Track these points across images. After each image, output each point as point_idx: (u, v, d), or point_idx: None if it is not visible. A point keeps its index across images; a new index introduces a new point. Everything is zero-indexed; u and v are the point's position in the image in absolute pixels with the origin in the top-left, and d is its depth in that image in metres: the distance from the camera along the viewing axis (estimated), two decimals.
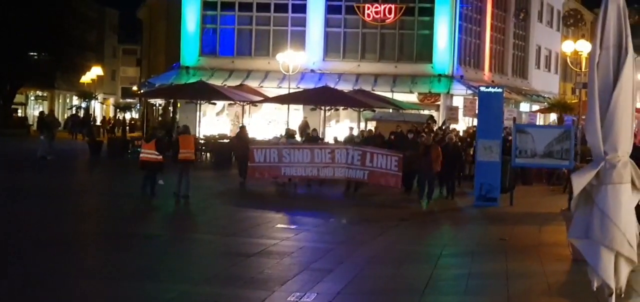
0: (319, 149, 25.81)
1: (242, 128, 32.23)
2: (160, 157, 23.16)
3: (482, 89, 27.17)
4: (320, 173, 25.43)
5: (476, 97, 44.99)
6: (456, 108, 42.82)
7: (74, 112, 71.48)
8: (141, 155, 23.66)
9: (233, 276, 13.57)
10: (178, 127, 33.99)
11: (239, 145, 29.62)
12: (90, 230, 19.16)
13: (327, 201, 25.56)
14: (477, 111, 44.54)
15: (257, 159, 25.65)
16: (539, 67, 62.10)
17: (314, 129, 33.16)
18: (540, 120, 51.74)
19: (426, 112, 43.45)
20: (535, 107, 55.40)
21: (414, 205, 23.94)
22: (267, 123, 44.01)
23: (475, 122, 43.45)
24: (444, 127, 36.92)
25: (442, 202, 25.25)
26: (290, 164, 25.40)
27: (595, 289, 8.17)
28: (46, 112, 59.26)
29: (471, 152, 28.68)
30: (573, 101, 49.80)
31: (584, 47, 41.07)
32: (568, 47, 44.66)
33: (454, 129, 36.62)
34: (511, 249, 16.69)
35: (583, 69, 40.55)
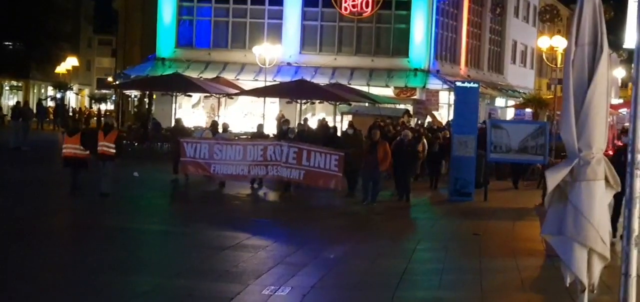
0: (252, 145, 23.39)
1: (177, 121, 30.73)
2: (87, 152, 21.44)
3: (458, 83, 27.23)
4: (251, 172, 23.27)
5: (438, 91, 45.50)
6: (423, 101, 42.68)
7: (44, 102, 70.85)
8: (64, 150, 21.64)
9: (207, 270, 13.52)
10: (153, 119, 33.72)
11: (173, 139, 27.17)
12: (63, 223, 19.04)
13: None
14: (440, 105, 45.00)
15: (188, 154, 23.37)
16: (514, 63, 62.38)
17: (286, 120, 31.82)
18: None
19: (402, 106, 43.47)
20: (511, 102, 55.64)
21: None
22: (243, 116, 43.91)
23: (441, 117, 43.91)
24: (419, 122, 36.90)
25: (403, 203, 23.26)
26: (221, 161, 23.14)
27: (568, 284, 8.20)
28: (21, 102, 58.78)
29: (420, 148, 26.50)
30: (548, 97, 50.01)
31: (559, 42, 41.23)
32: (544, 42, 44.82)
33: (420, 124, 36.21)
34: (485, 244, 16.75)
35: (559, 65, 40.75)
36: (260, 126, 28.80)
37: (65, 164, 21.64)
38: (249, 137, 28.66)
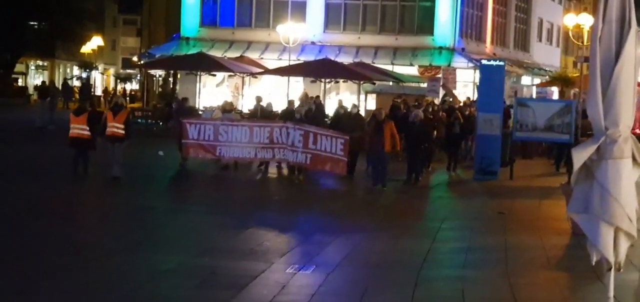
0: (258, 127, 22.34)
1: (183, 100, 29.10)
2: (90, 133, 20.75)
3: (484, 62, 27.05)
4: (258, 155, 22.43)
5: (455, 68, 45.07)
6: (438, 79, 42.10)
7: (69, 81, 71.20)
8: (71, 131, 20.88)
9: (232, 248, 13.55)
10: (177, 98, 33.59)
11: (177, 119, 25.41)
12: (87, 202, 19.14)
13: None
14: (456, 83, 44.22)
15: (191, 136, 22.27)
16: (540, 40, 61.89)
17: (316, 97, 30.50)
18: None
19: (424, 85, 43.17)
20: (537, 81, 55.25)
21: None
22: (268, 95, 43.86)
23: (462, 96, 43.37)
24: (444, 101, 36.50)
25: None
26: (227, 144, 22.18)
27: (594, 263, 8.14)
28: (47, 81, 59.13)
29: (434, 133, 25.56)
30: (574, 75, 49.63)
31: (586, 20, 40.88)
32: (570, 20, 44.48)
33: (433, 102, 35.23)
34: (510, 222, 16.67)
35: (585, 43, 40.40)
36: (291, 103, 28.00)
37: (71, 145, 20.99)
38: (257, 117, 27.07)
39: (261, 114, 27.05)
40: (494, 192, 21.41)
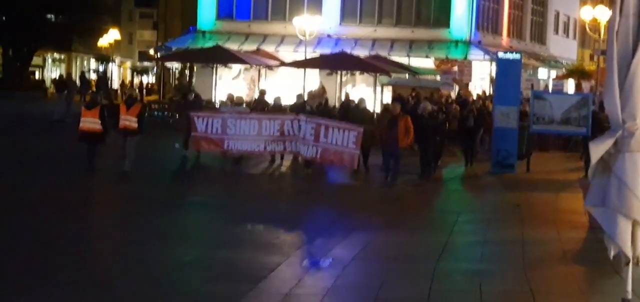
0: (268, 119, 22.12)
1: (194, 94, 28.35)
2: (101, 127, 20.29)
3: (500, 54, 26.98)
4: (267, 148, 22.06)
5: (471, 61, 44.92)
6: (452, 72, 41.97)
7: (87, 74, 71.53)
8: (82, 124, 20.40)
9: (248, 241, 13.60)
10: (193, 90, 33.60)
11: (185, 113, 24.99)
12: (101, 194, 19.23)
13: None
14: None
15: (199, 129, 21.86)
16: (557, 33, 61.62)
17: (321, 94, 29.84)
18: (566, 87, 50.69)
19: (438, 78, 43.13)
20: (553, 74, 55.06)
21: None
22: (285, 88, 43.89)
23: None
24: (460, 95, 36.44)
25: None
26: (235, 137, 21.79)
27: (611, 257, 8.13)
28: (64, 75, 59.38)
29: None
30: (591, 68, 49.44)
31: (603, 13, 40.72)
32: (587, 13, 44.32)
33: (448, 95, 34.98)
34: (527, 215, 16.64)
35: (602, 36, 40.24)
36: (299, 96, 27.56)
37: (80, 139, 20.49)
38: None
39: (268, 108, 26.51)
40: (511, 185, 21.37)
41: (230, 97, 25.93)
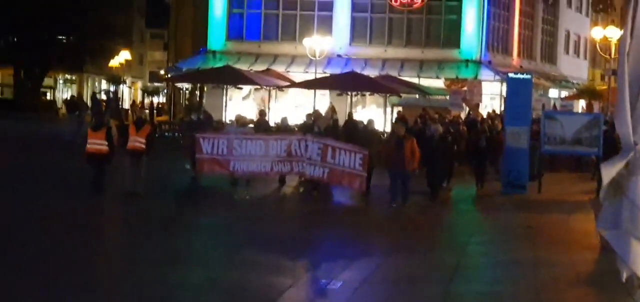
0: (274, 140, 21.73)
1: (193, 114, 27.68)
2: (108, 148, 20.04)
3: (511, 75, 26.94)
4: (274, 169, 21.60)
5: (481, 81, 44.82)
6: (461, 92, 41.81)
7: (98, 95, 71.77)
8: (88, 146, 20.17)
9: (258, 262, 13.57)
10: (204, 111, 33.62)
11: (189, 134, 24.43)
12: (113, 215, 19.23)
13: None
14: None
15: (205, 150, 21.54)
16: (567, 53, 61.54)
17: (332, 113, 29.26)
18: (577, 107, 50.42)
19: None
20: (564, 93, 54.96)
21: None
22: (294, 108, 43.95)
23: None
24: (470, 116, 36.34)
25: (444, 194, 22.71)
26: (241, 158, 21.45)
27: (624, 279, 8.09)
28: (75, 95, 59.66)
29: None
30: (602, 87, 49.31)
31: (613, 33, 40.68)
32: (597, 33, 44.26)
33: (457, 116, 34.64)
34: (539, 237, 16.57)
35: (613, 55, 40.17)
36: (308, 116, 26.76)
37: (87, 160, 20.25)
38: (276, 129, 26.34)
39: (268, 128, 26.21)
40: (522, 206, 21.29)
41: (237, 119, 25.76)
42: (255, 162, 21.51)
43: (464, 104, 39.26)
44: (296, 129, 25.57)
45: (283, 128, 25.31)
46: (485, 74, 45.35)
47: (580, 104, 47.65)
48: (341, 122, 29.02)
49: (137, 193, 20.12)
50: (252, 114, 43.17)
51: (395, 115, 38.86)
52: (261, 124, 26.45)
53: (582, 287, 12.28)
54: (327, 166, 20.68)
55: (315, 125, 23.67)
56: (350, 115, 31.65)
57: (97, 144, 20.08)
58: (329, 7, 47.50)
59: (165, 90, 73.98)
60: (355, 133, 24.32)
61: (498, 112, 39.44)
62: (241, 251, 14.63)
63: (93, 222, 17.33)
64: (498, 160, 26.45)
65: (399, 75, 43.73)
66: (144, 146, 20.41)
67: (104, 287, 11.72)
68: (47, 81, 71.93)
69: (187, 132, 25.56)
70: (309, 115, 27.04)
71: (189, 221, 18.34)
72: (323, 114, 30.60)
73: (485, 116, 36.50)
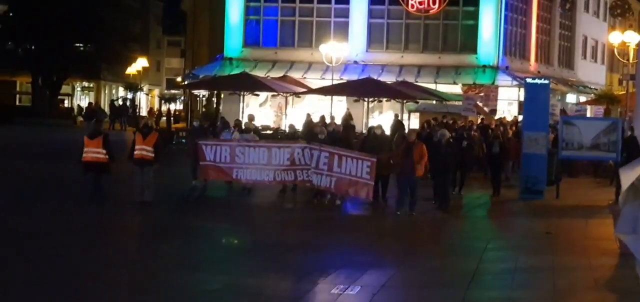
0: (278, 148, 21.30)
1: (200, 120, 27.40)
2: (107, 156, 19.68)
3: (529, 80, 26.84)
4: (277, 178, 21.15)
5: (498, 87, 44.62)
6: (474, 97, 41.59)
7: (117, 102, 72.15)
8: (85, 154, 19.72)
9: (275, 268, 13.56)
10: (221, 118, 33.65)
11: (191, 142, 23.79)
12: (131, 221, 19.25)
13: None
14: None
15: (208, 158, 21.18)
16: (585, 58, 61.32)
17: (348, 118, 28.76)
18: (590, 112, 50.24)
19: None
20: (582, 99, 54.74)
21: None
22: (311, 114, 43.93)
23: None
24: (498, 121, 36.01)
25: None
26: (244, 166, 21.09)
27: None
28: (93, 103, 59.94)
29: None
30: (620, 92, 49.10)
31: (631, 38, 40.52)
32: (615, 37, 44.09)
33: (470, 122, 34.25)
34: (557, 242, 16.49)
35: (631, 60, 39.98)
36: (291, 127, 26.40)
37: (85, 170, 19.85)
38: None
39: (283, 136, 25.63)
40: (540, 212, 21.20)
41: (238, 124, 25.36)
42: (258, 171, 21.15)
43: (475, 109, 39.05)
44: (299, 136, 24.96)
45: (291, 135, 24.94)
46: (503, 79, 45.20)
47: (595, 110, 47.42)
48: (362, 129, 28.69)
49: (146, 202, 19.89)
50: (268, 121, 43.39)
51: (412, 121, 38.90)
52: (250, 130, 25.75)
53: (601, 293, 12.20)
54: (334, 175, 20.25)
55: (320, 134, 22.94)
56: (347, 116, 30.95)
57: (93, 152, 19.67)
58: (345, 13, 47.51)
59: (183, 97, 74.30)
60: (368, 140, 23.36)
61: (512, 118, 39.26)
62: (256, 257, 14.63)
63: (108, 227, 17.35)
64: (505, 166, 26.30)
65: (416, 81, 43.63)
66: (151, 155, 20.05)
67: (117, 294, 11.72)
68: (65, 89, 72.28)
69: (190, 139, 25.32)
70: (305, 123, 26.45)
71: (203, 226, 18.26)
72: (316, 121, 29.78)
73: (499, 121, 36.33)
